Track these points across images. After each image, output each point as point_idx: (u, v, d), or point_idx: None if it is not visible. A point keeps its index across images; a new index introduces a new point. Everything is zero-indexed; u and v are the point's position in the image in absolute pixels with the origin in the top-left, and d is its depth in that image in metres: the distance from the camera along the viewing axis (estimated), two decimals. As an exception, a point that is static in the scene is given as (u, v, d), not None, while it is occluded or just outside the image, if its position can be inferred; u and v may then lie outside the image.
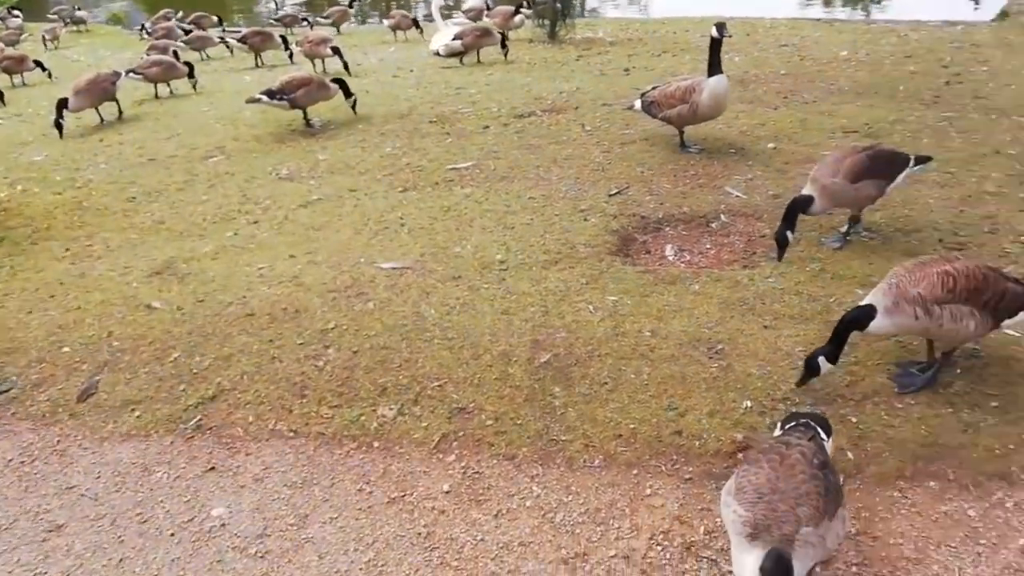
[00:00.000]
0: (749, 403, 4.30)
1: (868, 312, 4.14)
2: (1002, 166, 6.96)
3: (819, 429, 3.41)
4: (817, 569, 3.30)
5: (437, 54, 13.46)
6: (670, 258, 6.06)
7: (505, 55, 13.10)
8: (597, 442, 4.16)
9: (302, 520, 3.91)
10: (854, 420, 4.13)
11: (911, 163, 5.65)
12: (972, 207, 6.27)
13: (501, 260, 5.99)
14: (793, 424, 3.47)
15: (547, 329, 5.06)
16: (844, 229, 5.91)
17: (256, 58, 15.48)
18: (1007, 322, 4.13)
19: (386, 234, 6.67)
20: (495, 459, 4.15)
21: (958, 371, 4.39)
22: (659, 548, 3.55)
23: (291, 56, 14.81)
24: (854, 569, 3.39)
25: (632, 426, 4.22)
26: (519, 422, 4.33)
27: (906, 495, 3.71)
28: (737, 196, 6.85)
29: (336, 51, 12.55)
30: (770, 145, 7.93)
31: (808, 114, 8.80)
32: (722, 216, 6.53)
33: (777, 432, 3.50)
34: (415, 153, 8.62)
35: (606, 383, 4.55)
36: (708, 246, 6.19)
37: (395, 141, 9.07)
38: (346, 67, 12.43)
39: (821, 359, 4.16)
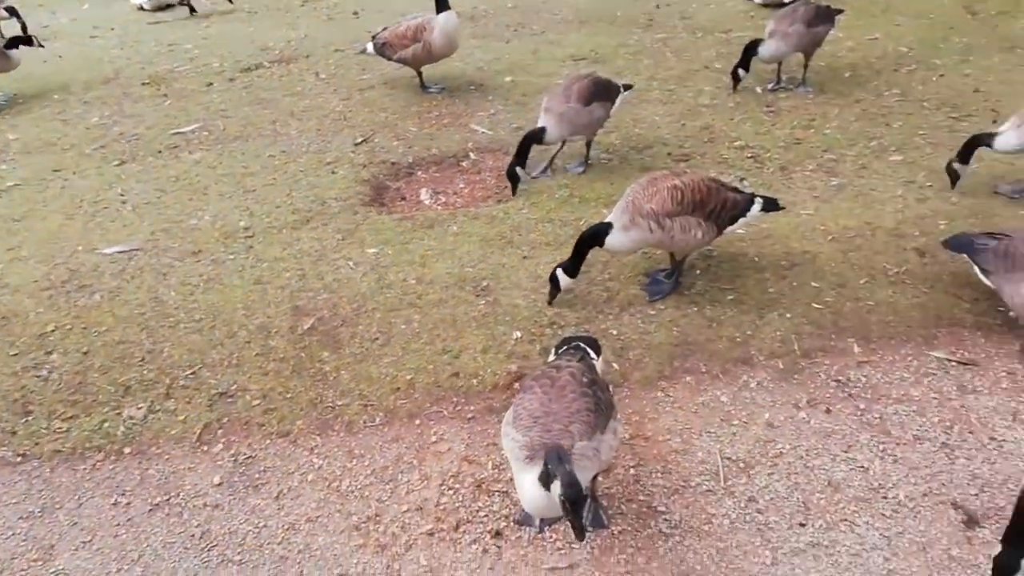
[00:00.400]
0: (519, 334, 4.36)
1: (605, 229, 4.37)
2: (711, 80, 7.59)
3: (589, 350, 3.52)
4: (600, 478, 3.44)
5: (142, 8, 12.07)
6: (426, 202, 5.96)
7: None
8: (375, 400, 4.01)
9: (47, 552, 3.40)
10: (615, 332, 4.34)
11: (622, 90, 6.05)
12: (691, 120, 6.79)
13: (246, 227, 5.54)
14: (565, 348, 3.56)
15: (307, 293, 4.77)
16: (584, 155, 6.15)
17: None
18: (728, 229, 4.49)
19: (105, 215, 5.89)
20: (268, 439, 3.86)
21: (698, 272, 4.76)
22: (451, 492, 3.52)
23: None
24: (632, 471, 3.58)
25: (409, 377, 4.12)
26: (289, 396, 4.06)
27: (668, 393, 3.98)
28: (483, 132, 6.86)
29: (11, 11, 10.78)
30: (507, 79, 8.02)
31: (539, 45, 9.01)
32: (471, 154, 6.52)
33: (551, 358, 3.57)
34: (128, 121, 7.67)
35: (377, 338, 4.39)
36: (462, 185, 6.17)
37: (102, 110, 8.01)
38: (24, 30, 10.75)
39: (560, 272, 4.41)
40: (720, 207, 4.37)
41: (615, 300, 4.58)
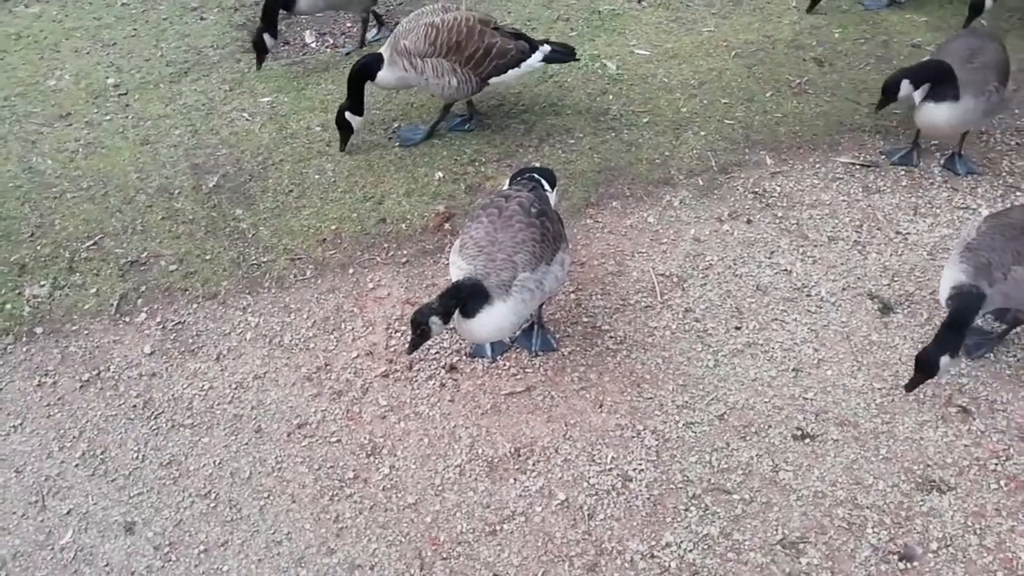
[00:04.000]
0: (440, 174, 4.25)
1: (374, 62, 4.08)
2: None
3: (543, 180, 3.46)
4: (544, 305, 3.50)
5: None
6: (312, 45, 5.52)
7: None
8: (302, 252, 3.86)
9: (-26, 444, 3.18)
10: (537, 164, 4.29)
11: None
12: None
13: (115, 84, 4.98)
14: (519, 179, 3.49)
15: (203, 150, 4.41)
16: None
17: None
18: (494, 80, 4.09)
19: (-58, 82, 5.14)
20: (195, 303, 3.67)
21: (611, 97, 4.71)
22: (398, 335, 3.50)
23: None
24: (572, 296, 3.67)
25: (334, 227, 3.97)
26: (208, 257, 3.84)
27: (596, 219, 4.03)
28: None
29: None
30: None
31: None
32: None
33: (504, 187, 3.51)
34: (-59, -29, 6.56)
35: (291, 191, 4.17)
36: (349, 24, 5.73)
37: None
38: None
39: (349, 115, 4.13)
40: (482, 53, 3.99)
41: (533, 131, 4.50)
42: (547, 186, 3.47)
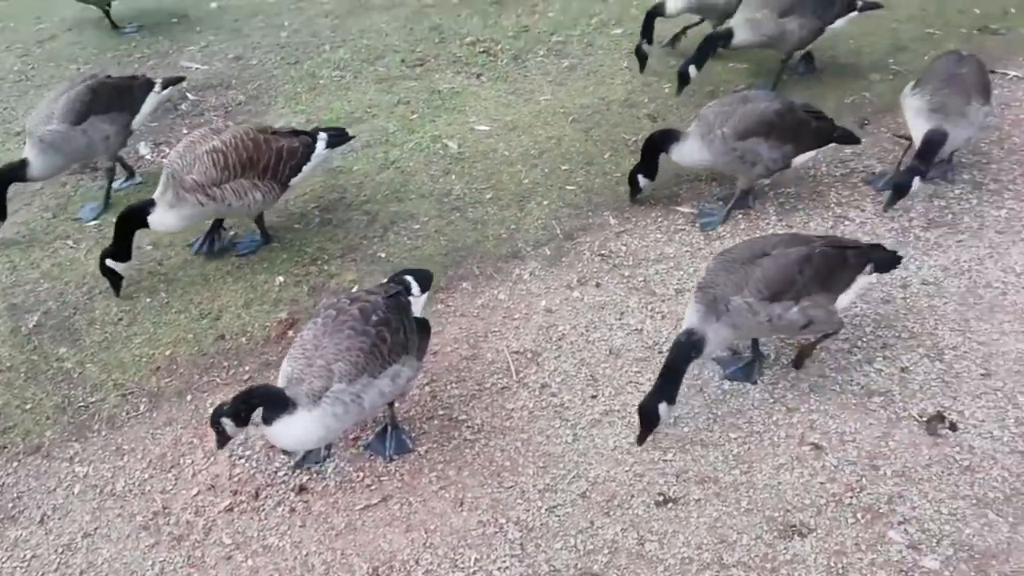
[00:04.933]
0: (281, 278, 4.09)
1: (145, 207, 3.84)
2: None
3: (414, 283, 3.31)
4: (396, 404, 3.34)
5: None
6: (147, 157, 5.32)
7: None
8: (135, 385, 3.61)
9: None
10: (383, 255, 4.21)
11: None
12: (418, 23, 6.56)
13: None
14: (391, 281, 3.35)
15: (23, 287, 4.13)
16: None
17: None
18: (294, 180, 4.04)
19: None
20: (14, 461, 3.36)
21: (453, 177, 4.68)
22: (243, 461, 3.28)
23: None
24: (427, 388, 3.54)
25: (168, 352, 3.74)
26: (28, 406, 3.54)
27: (448, 304, 3.94)
28: (198, 68, 6.21)
29: None
30: (213, 5, 7.26)
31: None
32: (188, 95, 5.89)
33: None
34: None
35: (120, 319, 3.93)
36: (185, 131, 5.55)
37: None
38: None
39: (109, 262, 3.86)
40: (275, 160, 3.91)
41: (377, 221, 4.41)
42: (417, 290, 3.32)
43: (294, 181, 4.03)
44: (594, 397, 3.44)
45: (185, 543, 3.02)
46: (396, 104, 5.44)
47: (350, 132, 4.32)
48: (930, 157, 4.00)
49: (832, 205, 4.35)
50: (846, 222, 4.23)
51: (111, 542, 3.05)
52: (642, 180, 4.21)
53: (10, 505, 3.20)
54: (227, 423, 2.84)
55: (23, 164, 4.30)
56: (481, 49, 6.02)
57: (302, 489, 3.17)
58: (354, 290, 3.80)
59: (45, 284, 4.12)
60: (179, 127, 5.57)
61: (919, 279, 3.90)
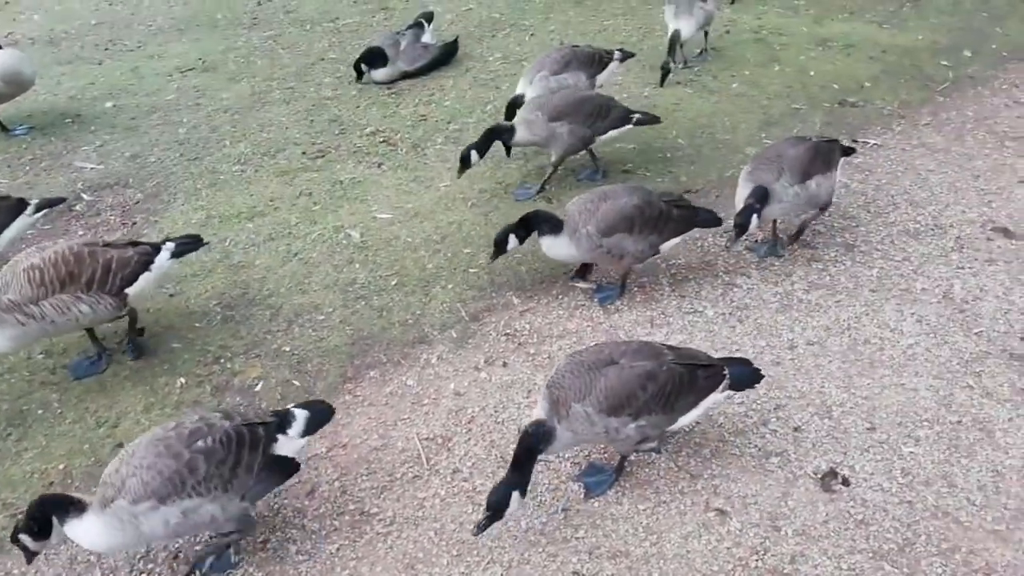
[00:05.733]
0: (183, 379, 4.01)
1: None
2: (329, 71, 7.54)
3: (298, 422, 3.16)
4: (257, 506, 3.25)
5: None
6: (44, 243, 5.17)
7: None
8: (24, 504, 3.42)
9: None
10: (288, 349, 4.18)
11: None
12: (319, 114, 6.68)
13: None
14: (278, 411, 3.23)
15: (-98, 405, 3.91)
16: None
17: None
18: (130, 291, 3.89)
19: None
20: None
21: (357, 266, 4.73)
22: (144, 574, 3.15)
23: None
24: (337, 483, 3.50)
25: (62, 466, 3.59)
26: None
27: (355, 394, 3.94)
28: (93, 168, 6.13)
29: None
30: (109, 104, 7.22)
31: (138, 61, 8.22)
32: (84, 195, 5.79)
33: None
34: None
35: (10, 434, 3.75)
36: (81, 232, 5.44)
37: None
38: None
39: None
40: (103, 272, 3.80)
41: (280, 315, 4.40)
42: (296, 429, 3.14)
43: (132, 291, 3.89)
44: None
45: (82, 671, 2.86)
46: (298, 196, 5.49)
47: (204, 239, 4.26)
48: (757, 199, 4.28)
49: (720, 273, 4.60)
50: (734, 288, 4.48)
51: None
52: (512, 241, 4.27)
53: None
54: (26, 539, 2.83)
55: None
56: (381, 139, 6.18)
57: (206, 600, 3.06)
58: (228, 404, 3.77)
59: (-75, 402, 3.92)
60: (75, 228, 5.47)
61: (804, 340, 4.14)
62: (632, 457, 3.50)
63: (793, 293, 4.46)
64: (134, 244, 3.99)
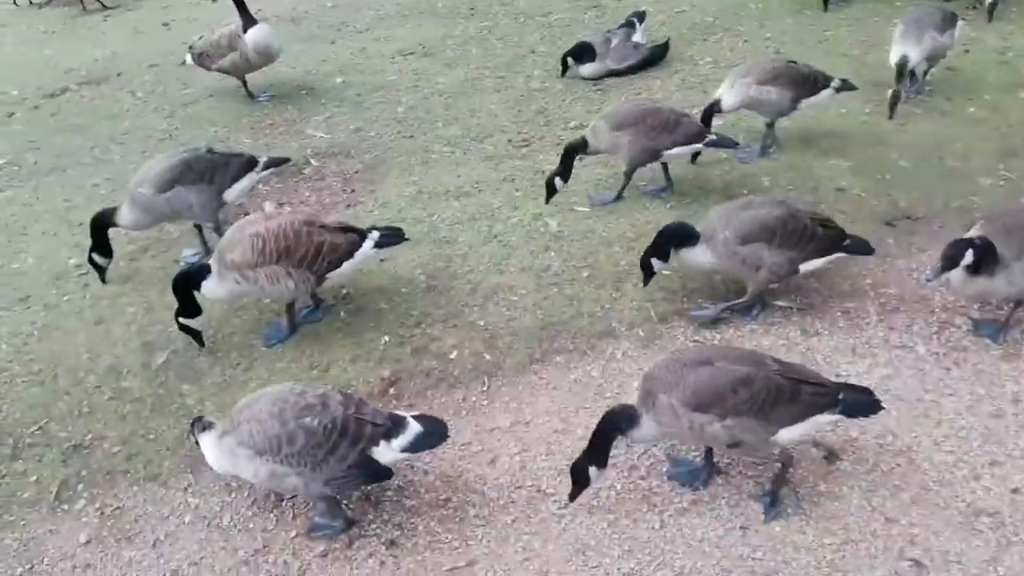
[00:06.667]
0: (387, 338, 4.33)
1: (201, 270, 4.09)
2: (539, 64, 7.76)
3: (408, 435, 3.27)
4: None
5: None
6: (271, 211, 5.75)
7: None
8: (246, 428, 3.86)
9: None
10: (482, 323, 4.40)
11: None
12: (526, 105, 6.92)
13: (77, 264, 5.13)
14: (401, 417, 3.36)
15: (156, 326, 4.50)
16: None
17: None
18: (331, 274, 4.15)
19: (-90, 270, 5.29)
20: (135, 486, 3.64)
21: (552, 254, 4.87)
22: (345, 501, 3.45)
23: None
24: (517, 458, 3.66)
25: (279, 399, 3.99)
26: (152, 437, 3.84)
27: (541, 376, 4.09)
28: (321, 137, 6.70)
29: None
30: (339, 79, 7.84)
31: (365, 42, 8.86)
32: (312, 161, 6.35)
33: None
34: (-79, 162, 6.90)
35: (239, 363, 4.23)
36: (307, 194, 5.99)
37: None
38: None
39: (182, 319, 4.12)
40: (314, 253, 4.04)
41: (478, 291, 4.63)
42: (402, 442, 3.23)
43: (332, 276, 4.15)
44: (683, 485, 3.48)
45: (281, 582, 3.19)
46: (502, 181, 5.72)
47: (407, 235, 4.45)
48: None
49: (936, 309, 4.29)
50: (951, 328, 4.17)
51: (214, 573, 3.25)
52: (656, 263, 4.23)
53: (127, 527, 3.46)
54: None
55: (115, 212, 4.80)
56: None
57: (392, 544, 3.31)
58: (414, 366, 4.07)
59: (175, 325, 4.48)
60: (302, 190, 6.01)
61: (1029, 393, 3.81)
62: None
63: (1022, 342, 4.09)
64: (345, 230, 4.20)
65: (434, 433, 3.30)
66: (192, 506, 3.53)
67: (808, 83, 5.47)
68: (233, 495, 3.56)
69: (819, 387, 3.23)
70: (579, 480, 3.18)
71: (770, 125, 5.63)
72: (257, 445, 3.13)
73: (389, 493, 3.52)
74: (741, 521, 3.30)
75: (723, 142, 5.24)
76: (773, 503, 3.33)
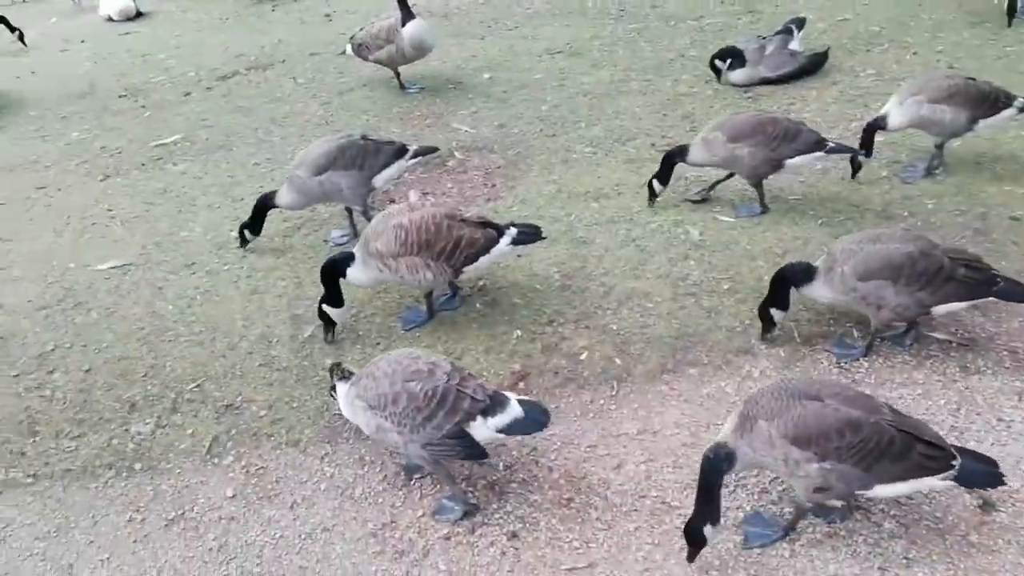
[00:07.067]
0: (519, 332, 4.39)
1: (345, 259, 4.27)
2: (688, 68, 7.63)
3: (503, 411, 3.32)
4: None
5: (110, 19, 11.89)
6: (414, 200, 5.95)
7: None
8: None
9: (66, 572, 3.40)
10: (615, 327, 4.38)
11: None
12: (672, 109, 6.83)
13: (237, 237, 5.50)
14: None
15: (304, 301, 4.76)
16: None
17: None
18: (467, 268, 4.25)
19: (94, 231, 5.84)
20: (277, 449, 3.87)
21: (692, 263, 4.79)
22: (471, 489, 3.55)
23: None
24: (643, 467, 3.62)
25: (413, 381, 4.14)
26: (295, 405, 4.06)
27: (672, 387, 4.03)
28: (466, 131, 6.87)
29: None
30: (486, 75, 8.01)
31: (514, 40, 9.00)
32: (456, 153, 6.53)
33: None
34: (109, 134, 7.58)
35: (379, 343, 4.40)
36: (449, 185, 6.17)
37: (81, 124, 7.90)
38: (15, 32, 10.64)
39: (325, 307, 4.25)
40: (452, 247, 4.16)
41: (612, 294, 4.61)
42: (499, 421, 3.27)
43: (468, 269, 4.26)
44: (816, 515, 3.34)
45: (406, 559, 3.31)
46: (642, 185, 5.64)
47: (544, 233, 4.46)
48: None
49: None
50: None
51: (344, 541, 3.41)
52: (776, 314, 4.06)
53: (269, 487, 3.68)
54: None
55: (275, 194, 5.15)
56: (734, 143, 6.13)
57: (514, 535, 3.36)
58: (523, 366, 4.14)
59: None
60: (445, 181, 6.19)
61: None
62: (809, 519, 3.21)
63: None
64: (484, 225, 4.28)
65: (533, 420, 3.30)
66: (328, 475, 3.71)
67: (988, 102, 5.09)
68: (366, 469, 3.72)
69: (935, 448, 3.00)
70: (695, 542, 3.08)
71: (940, 146, 5.31)
72: (370, 400, 3.36)
73: (514, 485, 3.57)
74: (879, 562, 3.13)
75: (843, 148, 5.09)
76: (757, 537, 3.24)
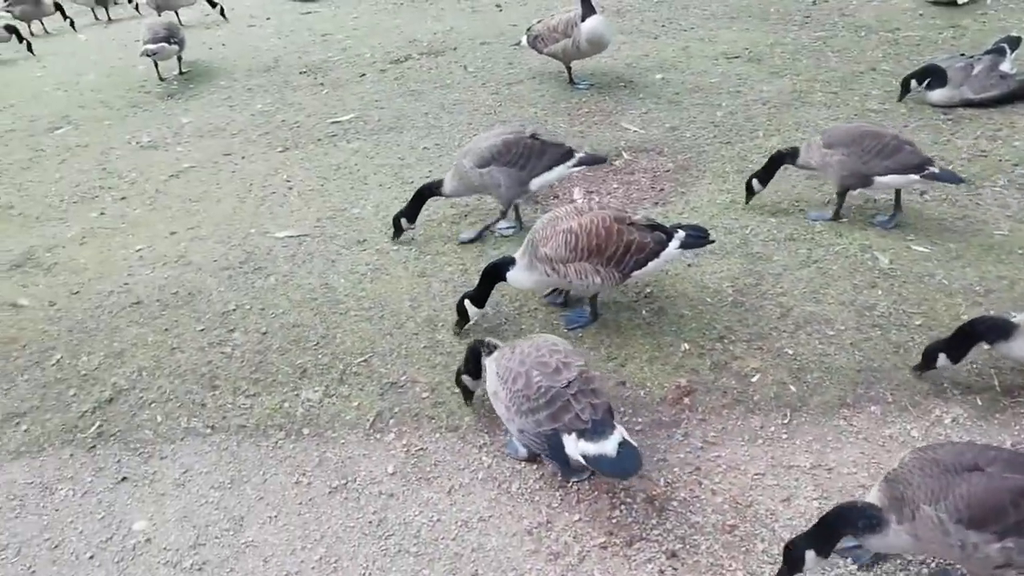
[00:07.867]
0: (686, 345, 4.24)
1: (507, 263, 4.24)
2: (879, 83, 7.17)
3: (605, 436, 3.28)
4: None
5: (294, -3, 12.54)
6: (579, 201, 5.89)
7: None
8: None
9: (238, 524, 3.56)
10: (791, 352, 4.15)
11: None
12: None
13: (392, 227, 5.62)
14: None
15: (469, 288, 4.79)
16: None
17: (102, 11, 13.82)
18: (636, 273, 4.14)
19: (273, 200, 6.14)
20: (437, 433, 3.91)
21: (880, 293, 4.48)
22: (623, 507, 3.45)
23: (137, 7, 13.36)
24: (815, 503, 3.41)
25: (575, 382, 4.08)
26: (456, 391, 4.09)
27: (851, 423, 3.77)
28: (635, 132, 6.74)
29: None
30: (658, 76, 7.84)
31: (689, 41, 8.77)
32: (624, 154, 6.41)
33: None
34: (289, 108, 7.97)
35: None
36: (615, 186, 6.06)
37: (265, 97, 8.36)
38: (215, 7, 11.46)
39: (467, 302, 4.26)
40: (623, 252, 4.06)
41: (789, 316, 4.37)
42: (599, 447, 3.24)
43: (636, 274, 4.17)
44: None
45: (560, 562, 3.25)
46: (826, 204, 5.36)
47: (712, 236, 4.32)
48: None
49: None
50: None
51: (500, 534, 3.39)
52: (941, 359, 3.76)
53: (428, 469, 3.72)
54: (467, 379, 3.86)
55: (440, 183, 5.22)
56: (929, 166, 5.70)
57: (673, 555, 3.24)
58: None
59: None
60: (611, 181, 6.09)
61: None
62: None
63: None
64: (653, 228, 4.17)
65: (618, 467, 3.24)
66: (485, 464, 3.71)
67: None
68: (523, 464, 3.69)
69: None
70: (791, 562, 2.90)
71: None
72: (500, 368, 3.54)
73: (674, 503, 3.45)
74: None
75: (946, 176, 4.78)
76: None
